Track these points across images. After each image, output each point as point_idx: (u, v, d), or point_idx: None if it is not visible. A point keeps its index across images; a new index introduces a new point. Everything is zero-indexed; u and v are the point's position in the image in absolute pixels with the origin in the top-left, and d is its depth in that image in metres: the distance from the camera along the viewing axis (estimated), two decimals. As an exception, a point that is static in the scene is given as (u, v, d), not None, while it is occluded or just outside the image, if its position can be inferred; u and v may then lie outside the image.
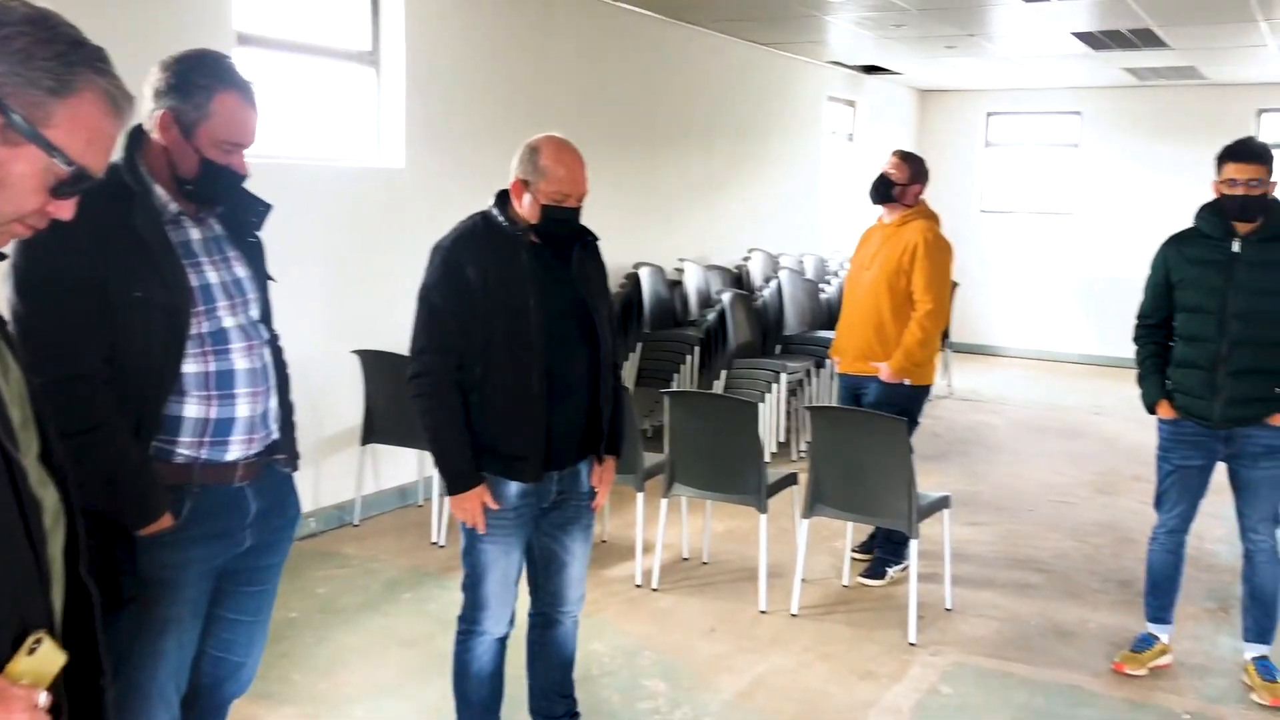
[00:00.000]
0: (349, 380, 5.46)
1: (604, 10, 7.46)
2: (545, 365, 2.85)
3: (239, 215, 2.40)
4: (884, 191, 4.87)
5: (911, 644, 4.28)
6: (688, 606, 4.64)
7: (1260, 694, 3.85)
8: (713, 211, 9.00)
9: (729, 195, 9.21)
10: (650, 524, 4.99)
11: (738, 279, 8.65)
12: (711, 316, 7.55)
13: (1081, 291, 11.73)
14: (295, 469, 2.55)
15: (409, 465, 5.88)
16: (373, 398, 5.48)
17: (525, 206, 2.86)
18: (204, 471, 2.28)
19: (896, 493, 4.34)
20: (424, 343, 2.88)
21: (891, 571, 4.93)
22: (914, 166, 4.89)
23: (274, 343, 2.48)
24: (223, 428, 2.29)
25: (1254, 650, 3.97)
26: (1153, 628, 4.13)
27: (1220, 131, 11.45)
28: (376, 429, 5.50)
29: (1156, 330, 3.97)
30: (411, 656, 4.09)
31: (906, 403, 4.77)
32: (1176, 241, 3.90)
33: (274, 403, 2.42)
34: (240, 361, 2.31)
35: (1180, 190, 10.44)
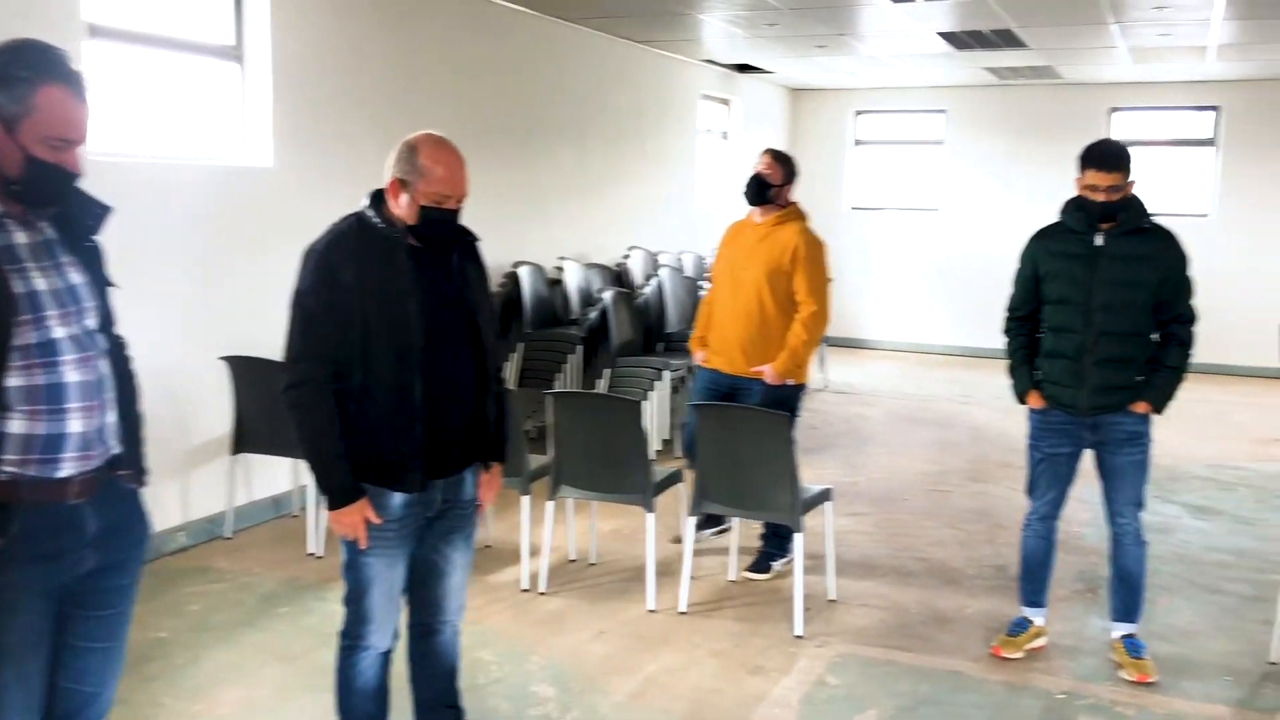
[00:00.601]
0: (216, 388, 5.25)
1: (478, 6, 7.35)
2: (427, 371, 2.77)
3: (75, 217, 2.25)
4: (760, 192, 4.91)
5: (798, 637, 4.32)
6: (576, 609, 4.59)
7: (1128, 671, 4.01)
8: (591, 209, 8.97)
9: (607, 193, 9.20)
10: (536, 527, 4.93)
11: (619, 277, 8.64)
12: (593, 315, 7.52)
13: (949, 285, 12.10)
14: (142, 485, 2.42)
15: (283, 474, 5.68)
16: (243, 405, 5.27)
17: (403, 207, 2.77)
18: (33, 489, 2.15)
19: (780, 487, 4.38)
20: (299, 350, 2.76)
21: (777, 565, 4.98)
22: (787, 167, 4.94)
23: (117, 353, 2.35)
24: (53, 444, 2.15)
25: (1121, 629, 4.14)
26: (1027, 611, 4.26)
27: (1076, 129, 11.96)
28: (247, 438, 5.29)
29: (1025, 322, 4.10)
30: (290, 673, 3.94)
31: (791, 401, 4.85)
32: (1043, 236, 4.04)
33: (113, 417, 2.29)
34: (72, 374, 2.17)
35: (1040, 185, 10.90)
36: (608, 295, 7.37)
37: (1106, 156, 3.78)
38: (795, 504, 4.36)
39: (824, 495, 4.73)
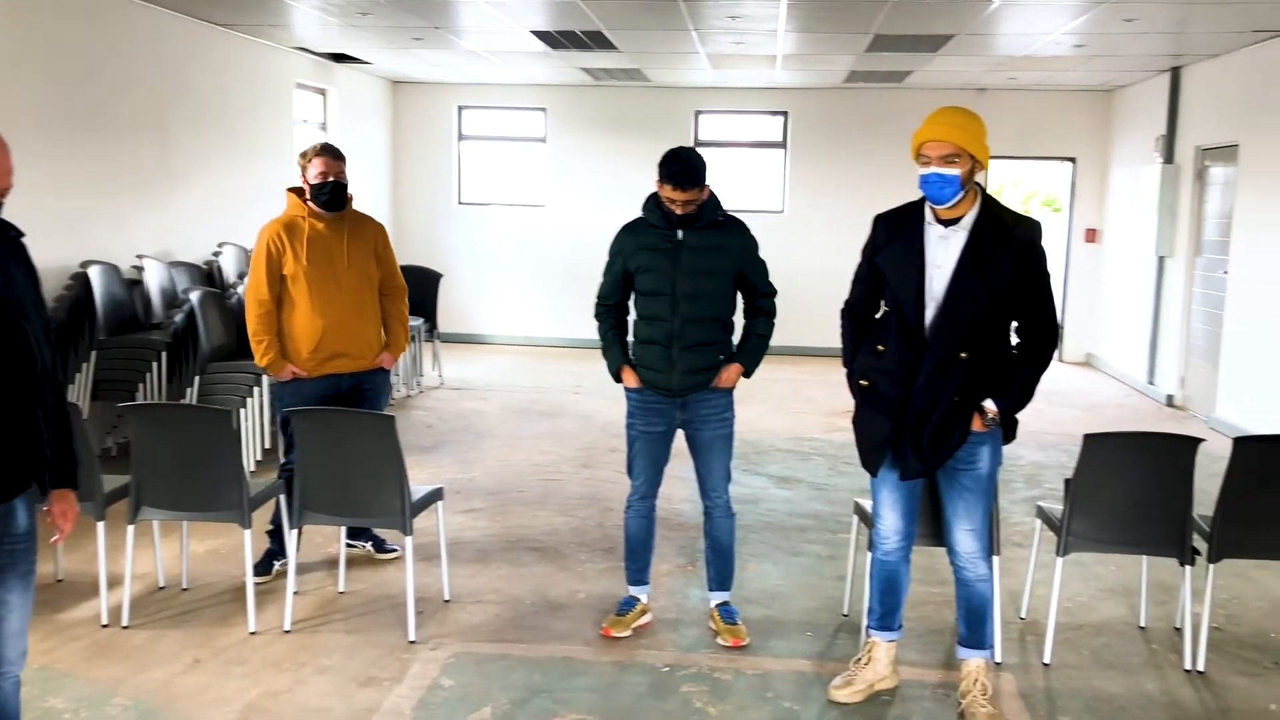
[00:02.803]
0: None
1: (25, -25, 6.52)
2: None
3: None
4: (343, 198, 4.72)
5: (412, 642, 4.21)
6: (166, 640, 4.20)
7: (724, 636, 4.27)
8: (177, 203, 8.26)
9: (192, 186, 8.52)
10: (116, 554, 4.45)
11: (208, 276, 8.04)
12: (179, 318, 6.93)
13: (557, 278, 12.41)
14: None
15: None
16: None
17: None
18: None
19: (389, 491, 4.24)
20: None
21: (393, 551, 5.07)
22: (345, 163, 4.79)
23: None
24: None
25: (718, 598, 4.41)
26: (633, 590, 4.43)
27: (666, 129, 12.66)
28: None
29: (613, 309, 4.31)
30: None
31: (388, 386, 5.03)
32: (630, 230, 4.21)
33: None
34: None
35: (634, 183, 11.43)
36: (195, 296, 6.82)
37: (681, 178, 3.97)
38: (405, 507, 4.24)
39: (435, 495, 4.64)
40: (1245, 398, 8.34)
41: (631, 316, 4.29)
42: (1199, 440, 4.04)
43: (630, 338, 4.27)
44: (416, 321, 9.34)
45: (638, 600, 4.41)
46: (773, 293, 4.28)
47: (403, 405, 8.86)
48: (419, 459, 7.01)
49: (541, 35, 8.88)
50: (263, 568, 4.75)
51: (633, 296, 4.26)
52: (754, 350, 4.24)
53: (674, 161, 4.01)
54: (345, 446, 4.28)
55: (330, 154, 4.65)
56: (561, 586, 4.88)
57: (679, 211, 4.04)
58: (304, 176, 4.65)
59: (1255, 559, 4.58)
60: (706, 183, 4.07)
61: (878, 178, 11.27)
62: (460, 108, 12.72)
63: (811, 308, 9.65)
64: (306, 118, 10.76)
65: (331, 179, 4.62)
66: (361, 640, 4.24)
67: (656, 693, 3.85)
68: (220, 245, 8.57)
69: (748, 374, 4.25)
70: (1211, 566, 4.13)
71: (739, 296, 4.25)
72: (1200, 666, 4.12)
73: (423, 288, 9.68)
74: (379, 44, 9.65)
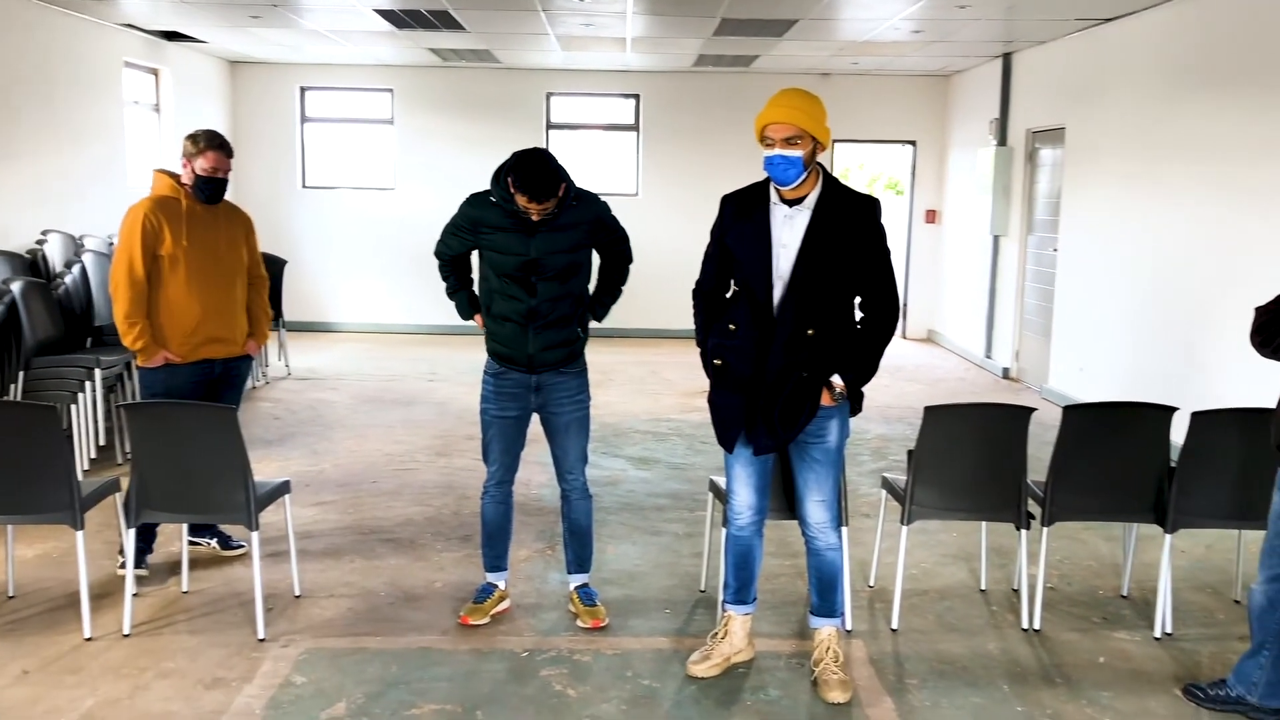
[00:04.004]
0: None
1: None
2: None
3: None
4: (223, 193, 4.62)
5: (261, 640, 4.07)
6: (-9, 652, 3.95)
7: (584, 619, 4.28)
8: (-8, 189, 7.76)
9: (11, 170, 8.01)
10: (-68, 563, 4.17)
11: (31, 265, 7.58)
12: None
13: (409, 263, 12.14)
14: None
15: None
16: None
17: None
18: None
19: (232, 486, 4.08)
20: None
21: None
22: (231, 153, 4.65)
23: None
24: None
25: (577, 580, 4.40)
26: (491, 577, 4.39)
27: (518, 111, 12.57)
28: None
29: (453, 262, 4.27)
30: None
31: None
32: (479, 204, 4.09)
33: None
34: None
35: (485, 165, 11.25)
36: (16, 286, 6.41)
37: (538, 191, 3.83)
38: (250, 502, 4.09)
39: (282, 488, 4.50)
40: (1073, 368, 8.80)
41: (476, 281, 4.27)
42: (1031, 410, 4.23)
43: (486, 318, 4.18)
44: (262, 310, 9.04)
45: (495, 587, 4.37)
46: (630, 259, 4.32)
47: (248, 397, 8.55)
48: (265, 452, 6.79)
49: (386, 14, 8.66)
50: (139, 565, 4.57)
51: (478, 265, 4.19)
52: (608, 302, 4.32)
53: (529, 171, 3.83)
54: (185, 441, 4.10)
55: (225, 150, 4.56)
56: (417, 577, 4.80)
57: (535, 218, 3.95)
58: (188, 163, 4.52)
59: (1084, 521, 4.84)
60: (562, 179, 3.95)
61: (729, 160, 11.43)
62: (303, 89, 12.32)
63: (667, 290, 9.71)
64: (138, 99, 10.25)
65: (220, 175, 4.56)
66: (207, 641, 4.07)
67: (516, 678, 3.83)
68: (44, 233, 8.09)
69: (599, 318, 4.32)
70: (1045, 530, 4.34)
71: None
72: (1036, 625, 4.33)
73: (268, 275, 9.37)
74: (214, 22, 9.25)
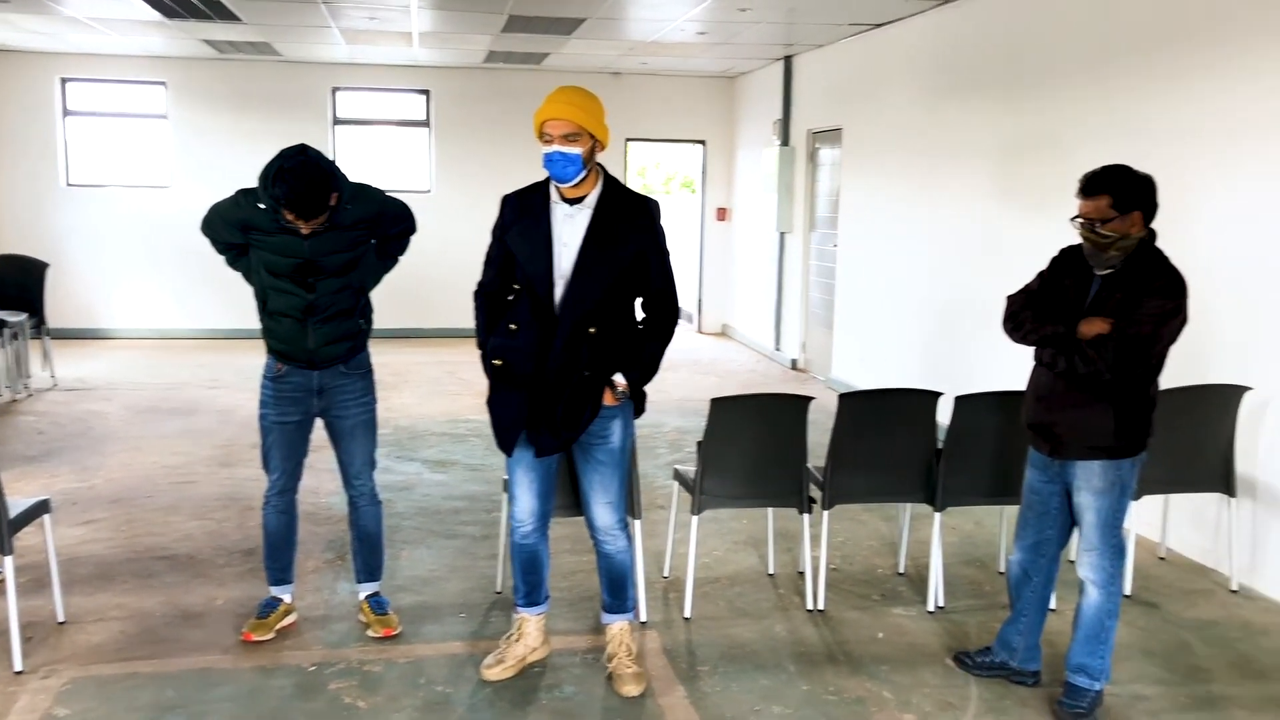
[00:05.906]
0: None
1: None
2: None
3: None
4: None
5: (19, 672, 3.78)
6: None
7: (375, 628, 4.17)
8: None
9: None
10: None
11: None
12: None
13: (187, 265, 11.50)
14: None
15: None
16: None
17: None
18: None
19: (-20, 507, 3.77)
20: None
21: None
22: None
23: None
24: None
25: (367, 589, 4.28)
26: (275, 590, 4.22)
27: (302, 105, 12.15)
28: None
29: (237, 257, 4.03)
30: None
31: None
32: (247, 207, 3.92)
33: None
34: None
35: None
36: None
37: (305, 209, 3.68)
38: (1, 523, 3.78)
39: (40, 507, 4.18)
40: (855, 358, 9.22)
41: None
42: (810, 398, 4.40)
43: (262, 314, 3.99)
44: (19, 316, 8.40)
45: (280, 600, 4.21)
46: (413, 225, 4.17)
47: (6, 410, 7.93)
48: (26, 469, 6.31)
49: (154, 3, 8.18)
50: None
51: (252, 260, 3.97)
52: (381, 270, 4.15)
53: (295, 188, 3.63)
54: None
55: None
56: (196, 594, 4.56)
57: (305, 231, 3.80)
58: None
59: (862, 503, 5.07)
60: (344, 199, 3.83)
61: (520, 158, 11.35)
62: (64, 80, 11.51)
63: (464, 287, 9.54)
64: None
65: None
66: (-44, 678, 3.75)
67: (303, 694, 3.69)
68: None
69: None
70: (825, 513, 4.52)
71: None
72: (821, 605, 4.51)
73: (26, 279, 8.73)
74: (-44, 5, 8.52)
